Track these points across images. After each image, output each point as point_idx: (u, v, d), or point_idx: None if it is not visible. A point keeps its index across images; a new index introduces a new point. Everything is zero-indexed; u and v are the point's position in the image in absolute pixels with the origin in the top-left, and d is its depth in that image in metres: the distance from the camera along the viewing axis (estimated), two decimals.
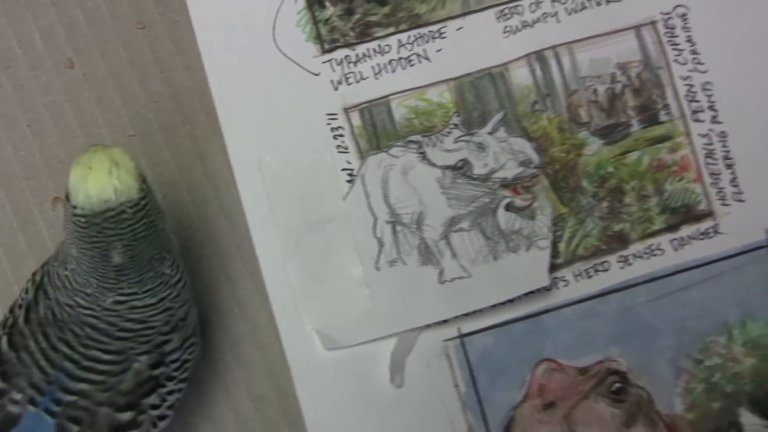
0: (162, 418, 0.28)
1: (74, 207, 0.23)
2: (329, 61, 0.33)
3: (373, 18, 0.33)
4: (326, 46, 0.33)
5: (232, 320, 0.32)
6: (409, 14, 0.33)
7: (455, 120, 0.33)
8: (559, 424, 0.32)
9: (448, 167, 0.32)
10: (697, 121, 0.33)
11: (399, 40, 0.33)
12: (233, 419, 0.32)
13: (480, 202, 0.32)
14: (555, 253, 0.33)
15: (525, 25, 0.33)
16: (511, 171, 0.32)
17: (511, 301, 0.32)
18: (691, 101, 0.33)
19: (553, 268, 0.32)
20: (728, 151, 0.33)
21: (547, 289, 0.32)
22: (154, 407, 0.28)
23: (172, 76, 0.33)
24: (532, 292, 0.32)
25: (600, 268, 0.33)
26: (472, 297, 0.32)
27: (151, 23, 0.33)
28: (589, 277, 0.33)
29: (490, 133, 0.33)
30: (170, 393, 0.28)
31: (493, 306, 0.32)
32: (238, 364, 0.32)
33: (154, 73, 0.33)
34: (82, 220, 0.23)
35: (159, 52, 0.33)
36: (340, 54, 0.33)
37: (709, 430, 0.33)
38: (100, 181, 0.23)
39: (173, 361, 0.28)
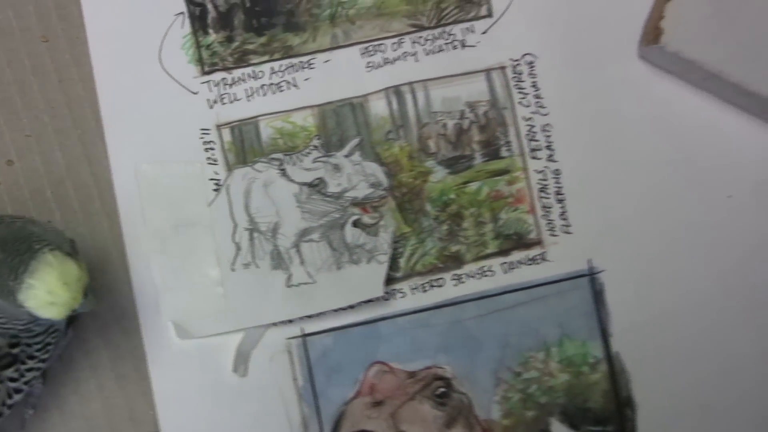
0: (18, 391, 0.32)
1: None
2: (207, 82, 0.37)
3: (251, 46, 0.37)
4: (206, 69, 0.37)
5: (103, 306, 0.36)
6: (283, 45, 0.37)
7: (315, 142, 0.37)
8: (386, 421, 0.36)
9: (305, 184, 0.36)
10: (534, 158, 0.37)
11: (272, 68, 0.37)
12: (98, 395, 0.36)
13: (331, 217, 0.36)
14: (395, 268, 0.36)
15: (386, 61, 0.37)
16: (361, 191, 0.36)
17: (351, 307, 0.36)
18: (531, 140, 0.37)
19: (392, 281, 0.36)
20: (560, 187, 0.37)
21: (385, 299, 0.36)
22: (12, 380, 0.32)
23: (69, 86, 0.37)
24: (370, 301, 0.36)
25: (435, 283, 0.37)
26: (315, 301, 0.35)
27: (54, 37, 0.37)
28: (425, 291, 0.36)
29: (346, 156, 0.37)
30: (29, 370, 0.32)
31: (335, 310, 0.36)
32: (105, 345, 0.36)
33: (53, 81, 0.37)
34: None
35: (59, 63, 0.37)
36: (217, 76, 0.37)
37: None
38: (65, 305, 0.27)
39: (36, 343, 0.32)
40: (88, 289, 0.28)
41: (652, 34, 0.36)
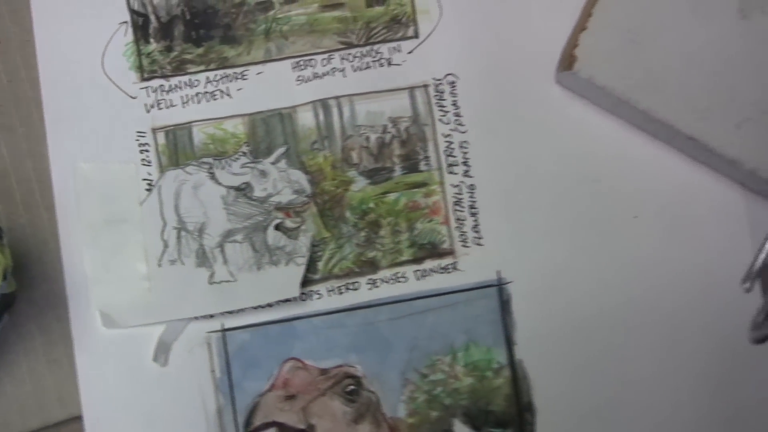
0: None
1: None
2: (146, 87, 0.39)
3: (188, 56, 0.39)
4: (145, 75, 0.39)
5: (39, 294, 0.39)
6: (219, 56, 0.39)
7: (244, 149, 0.39)
8: (297, 414, 0.38)
9: (232, 187, 0.39)
10: (451, 173, 0.39)
11: (207, 77, 0.39)
12: (29, 377, 0.38)
13: (255, 220, 0.38)
14: (313, 270, 0.39)
15: (316, 76, 0.39)
16: (285, 197, 0.39)
17: (270, 305, 0.38)
18: (449, 156, 0.39)
19: (310, 282, 0.38)
20: (474, 201, 0.39)
21: (302, 299, 0.38)
22: None
23: (17, 86, 0.39)
24: (288, 300, 0.38)
25: (351, 287, 0.39)
26: (235, 298, 0.38)
27: (6, 39, 0.40)
28: (341, 293, 0.39)
29: (272, 163, 0.39)
30: None
31: (254, 308, 0.38)
32: (39, 331, 0.39)
33: (2, 82, 0.39)
34: None
35: (9, 65, 0.40)
36: (156, 83, 0.39)
37: None
38: None
39: None
40: (8, 272, 0.30)
41: (567, 60, 0.39)
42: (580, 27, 0.38)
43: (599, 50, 0.38)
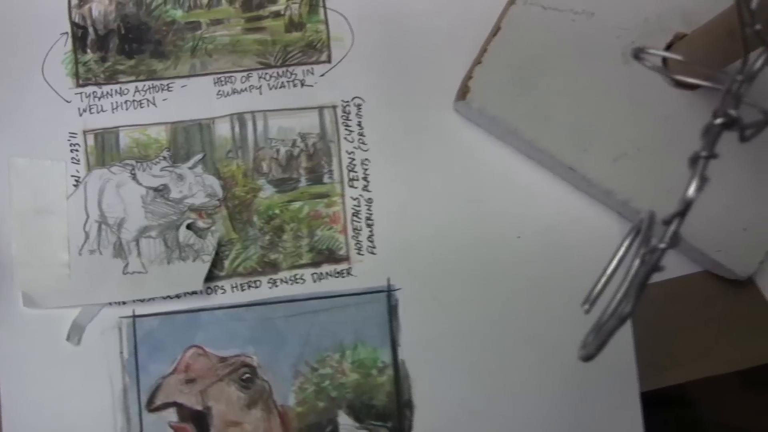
0: None
1: None
2: (80, 93, 0.43)
3: (121, 67, 0.43)
4: (80, 82, 0.43)
5: None
6: (148, 69, 0.44)
7: (165, 154, 0.43)
8: (196, 396, 0.42)
9: (151, 188, 0.43)
10: (351, 186, 0.43)
11: (136, 87, 0.43)
12: None
13: (169, 219, 0.42)
14: (220, 267, 0.43)
15: (234, 91, 0.43)
16: (199, 199, 0.43)
17: (178, 296, 0.42)
18: (350, 171, 0.43)
19: (216, 278, 0.42)
20: (371, 214, 0.43)
21: (207, 293, 0.42)
22: None
23: None
24: (194, 293, 0.42)
25: (253, 285, 0.43)
26: (145, 288, 0.42)
27: None
28: (243, 290, 0.43)
29: (189, 168, 0.43)
30: None
31: (163, 298, 0.42)
32: None
33: None
34: None
35: None
36: (89, 89, 0.43)
37: (312, 423, 0.42)
38: None
39: None
40: None
41: (462, 91, 0.42)
42: (476, 61, 0.42)
43: (491, 83, 0.42)
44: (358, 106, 0.44)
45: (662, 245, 0.26)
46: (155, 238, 0.42)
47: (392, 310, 0.43)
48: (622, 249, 0.27)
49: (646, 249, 0.27)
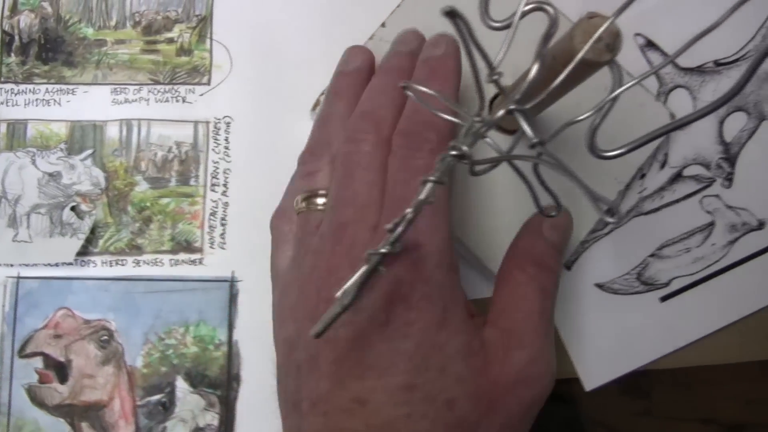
0: None
1: None
2: (0, 89, 0.52)
3: (37, 71, 0.52)
4: (2, 80, 0.52)
5: None
6: (59, 74, 0.52)
7: (62, 146, 0.52)
8: (60, 349, 0.50)
9: (47, 173, 0.51)
10: (212, 191, 0.51)
11: (47, 88, 0.52)
12: None
13: (57, 200, 0.51)
14: (95, 245, 0.51)
15: (126, 101, 0.52)
16: (85, 187, 0.51)
17: (57, 265, 0.51)
18: (213, 178, 0.52)
19: (90, 254, 0.51)
20: (226, 216, 0.51)
21: (81, 265, 0.51)
22: None
23: None
24: (70, 264, 0.50)
25: (120, 263, 0.51)
26: (29, 255, 0.50)
27: None
28: (111, 266, 0.51)
29: (81, 160, 0.51)
30: None
31: (44, 265, 0.51)
32: None
33: None
34: None
35: None
36: (8, 86, 0.52)
37: (154, 383, 0.50)
38: None
39: None
40: None
41: (314, 104, 0.50)
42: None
43: None
44: (228, 124, 0.52)
45: (383, 250, 0.32)
46: (43, 214, 0.51)
47: (233, 298, 0.51)
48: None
49: (372, 251, 0.31)
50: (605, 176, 0.50)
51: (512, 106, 0.30)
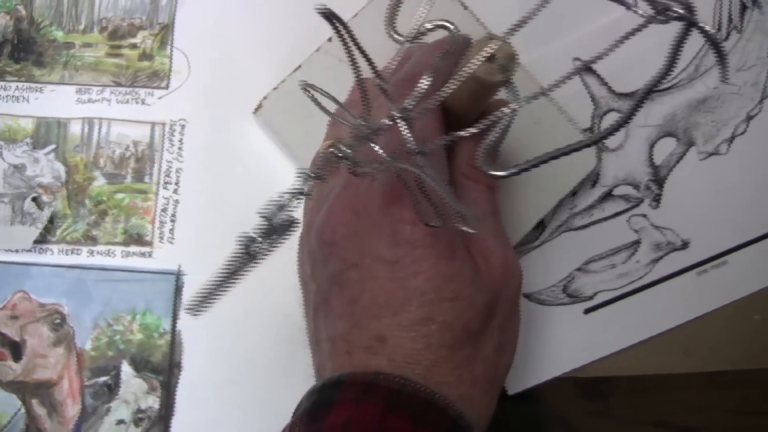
0: None
1: None
2: None
3: (9, 69, 0.56)
4: None
5: None
6: (29, 73, 0.56)
7: (28, 140, 0.55)
8: (16, 329, 0.54)
9: (12, 165, 0.55)
10: (165, 188, 0.55)
11: (17, 86, 0.56)
12: None
13: (20, 190, 0.55)
14: (53, 234, 0.55)
15: (90, 101, 0.56)
16: (47, 179, 0.55)
17: (17, 251, 0.54)
18: (166, 176, 0.55)
19: (48, 242, 0.54)
20: (176, 212, 0.55)
21: (39, 252, 0.54)
22: None
23: None
24: (29, 251, 0.54)
25: (75, 252, 0.54)
26: None
27: None
28: (67, 254, 0.54)
29: (45, 155, 0.55)
30: None
31: (4, 250, 0.54)
32: None
33: None
34: None
35: None
36: None
37: (101, 365, 0.54)
38: None
39: None
40: None
41: (256, 107, 0.53)
42: (274, 87, 0.53)
43: (279, 105, 0.51)
44: (182, 126, 0.55)
45: (259, 239, 0.34)
46: (6, 203, 0.55)
47: (178, 290, 0.54)
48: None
49: (247, 240, 0.34)
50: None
51: (394, 113, 0.32)
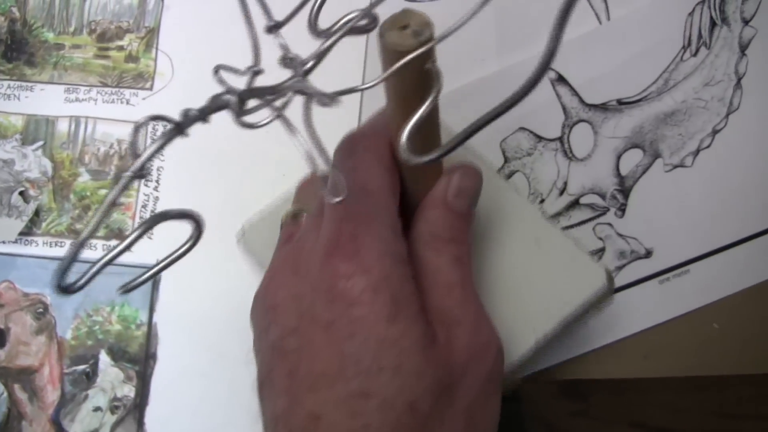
0: None
1: None
2: None
3: (1, 68, 0.59)
4: None
5: None
6: (20, 72, 0.59)
7: (17, 136, 0.58)
8: (0, 317, 0.56)
9: (1, 160, 0.57)
10: (145, 186, 0.57)
11: (8, 84, 0.58)
12: None
13: (8, 184, 0.57)
14: (38, 227, 0.57)
15: (77, 100, 0.58)
16: (34, 174, 0.57)
17: (3, 242, 0.57)
18: (145, 176, 0.57)
19: (34, 234, 0.57)
20: (155, 209, 0.57)
21: (25, 244, 0.57)
22: None
23: None
24: (14, 242, 0.57)
25: (59, 244, 0.57)
26: None
27: None
28: (51, 246, 0.57)
29: (33, 150, 0.58)
30: None
31: None
32: None
33: None
34: None
35: None
36: None
37: (80, 354, 0.56)
38: None
39: None
40: None
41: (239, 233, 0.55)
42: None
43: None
44: (165, 126, 0.57)
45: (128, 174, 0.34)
46: None
47: (155, 284, 0.56)
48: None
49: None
50: None
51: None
